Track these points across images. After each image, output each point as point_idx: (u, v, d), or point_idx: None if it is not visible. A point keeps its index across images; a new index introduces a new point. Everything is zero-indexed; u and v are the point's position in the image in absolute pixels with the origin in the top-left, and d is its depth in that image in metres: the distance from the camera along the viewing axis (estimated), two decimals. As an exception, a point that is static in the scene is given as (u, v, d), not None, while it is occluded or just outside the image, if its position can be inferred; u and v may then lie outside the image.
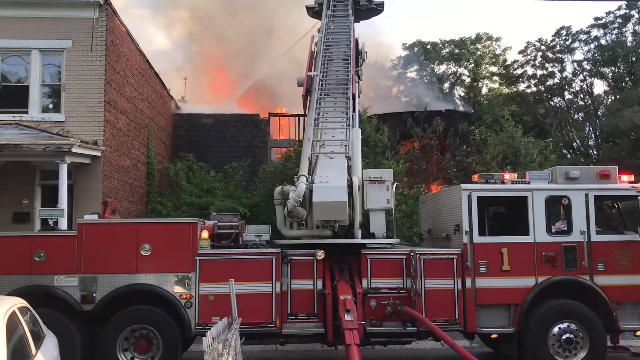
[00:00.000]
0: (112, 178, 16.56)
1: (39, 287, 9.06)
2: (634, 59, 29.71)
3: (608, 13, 30.96)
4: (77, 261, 9.17)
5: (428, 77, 40.95)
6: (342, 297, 9.06)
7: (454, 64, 41.17)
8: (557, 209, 10.44)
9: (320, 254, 9.44)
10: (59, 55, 15.95)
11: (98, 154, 15.46)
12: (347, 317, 8.65)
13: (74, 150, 14.01)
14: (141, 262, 9.22)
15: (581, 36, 32.04)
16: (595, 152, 30.25)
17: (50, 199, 14.94)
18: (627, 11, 30.10)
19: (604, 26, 31.27)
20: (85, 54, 15.75)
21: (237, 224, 9.76)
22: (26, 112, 15.75)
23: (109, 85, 16.18)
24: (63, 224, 11.78)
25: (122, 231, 9.40)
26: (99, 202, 14.61)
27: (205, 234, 9.41)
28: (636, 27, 30.42)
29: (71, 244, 9.20)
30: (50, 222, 9.84)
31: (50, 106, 16.20)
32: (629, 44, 30.19)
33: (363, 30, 16.35)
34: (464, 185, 10.11)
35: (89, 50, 15.69)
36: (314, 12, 16.79)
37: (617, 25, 30.81)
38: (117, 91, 17.05)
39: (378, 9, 16.79)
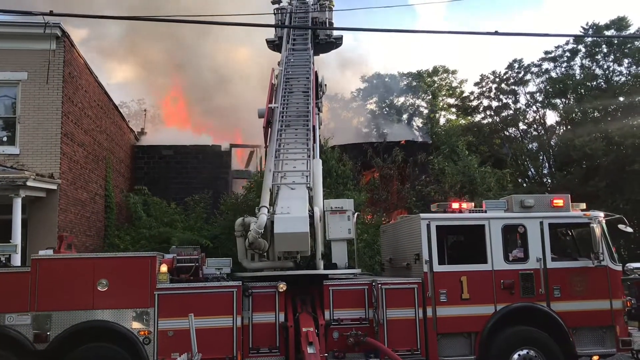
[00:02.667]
0: (68, 212, 16.16)
1: (-12, 326, 8.73)
2: (582, 91, 30.93)
3: (557, 47, 32.30)
4: (31, 298, 8.88)
5: (387, 109, 41.69)
6: (304, 329, 9.02)
7: (411, 96, 42.06)
8: (514, 237, 10.68)
9: (282, 286, 9.39)
10: (14, 87, 15.62)
11: (54, 187, 15.09)
12: (310, 350, 8.61)
13: (28, 183, 13.64)
14: (98, 298, 9.00)
15: (533, 69, 33.21)
16: (549, 180, 31.12)
17: (4, 234, 14.45)
18: (575, 46, 31.45)
19: (553, 60, 32.51)
20: (42, 86, 15.46)
21: (196, 257, 9.63)
22: (-22, 145, 15.33)
23: (66, 118, 15.92)
24: (17, 260, 11.40)
25: (78, 266, 9.17)
26: (54, 236, 14.21)
27: (164, 268, 9.26)
28: (584, 61, 31.76)
29: (24, 280, 8.93)
30: (2, 259, 9.49)
31: (5, 139, 15.80)
32: (577, 77, 31.46)
33: (322, 63, 16.67)
34: (423, 215, 10.28)
35: (45, 82, 15.44)
36: (274, 46, 17.04)
37: (565, 59, 32.12)
38: (75, 123, 16.78)
39: (337, 43, 17.19)
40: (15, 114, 15.58)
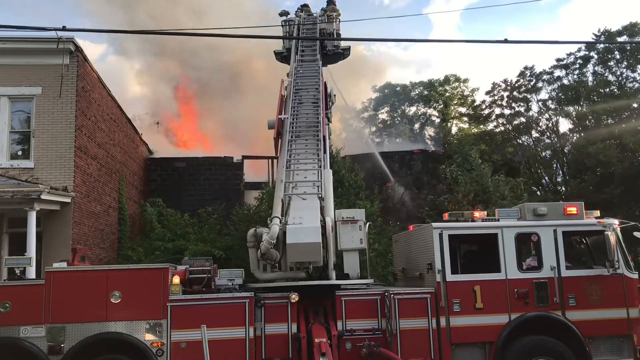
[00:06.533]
0: (82, 224, 16.29)
1: (4, 339, 8.81)
2: (595, 97, 30.67)
3: (569, 54, 32.12)
4: (45, 311, 8.95)
5: (399, 119, 41.66)
6: (317, 340, 8.99)
7: (423, 105, 41.99)
8: (527, 245, 10.58)
9: (294, 297, 9.38)
10: (29, 102, 15.84)
11: (68, 200, 15.24)
12: (323, 361, 8.56)
13: (43, 197, 13.78)
14: (111, 309, 9.05)
15: (544, 76, 33.00)
16: (563, 188, 30.82)
17: (19, 247, 14.60)
18: (587, 52, 31.25)
19: (565, 67, 32.31)
20: (56, 100, 15.66)
21: (209, 268, 9.66)
22: (-6, 160, 15.52)
23: (80, 131, 16.10)
24: (31, 272, 11.50)
25: (92, 278, 9.22)
26: (68, 249, 14.34)
27: (176, 280, 9.29)
28: (596, 68, 31.54)
29: (38, 293, 9.00)
30: (17, 271, 9.60)
31: (19, 153, 15.99)
32: (590, 84, 31.21)
33: (332, 74, 16.76)
34: (435, 224, 10.22)
35: (58, 96, 15.63)
36: (283, 57, 17.17)
37: (577, 66, 31.91)
38: (88, 137, 16.96)
39: (344, 54, 17.29)
40: (30, 128, 15.78)
